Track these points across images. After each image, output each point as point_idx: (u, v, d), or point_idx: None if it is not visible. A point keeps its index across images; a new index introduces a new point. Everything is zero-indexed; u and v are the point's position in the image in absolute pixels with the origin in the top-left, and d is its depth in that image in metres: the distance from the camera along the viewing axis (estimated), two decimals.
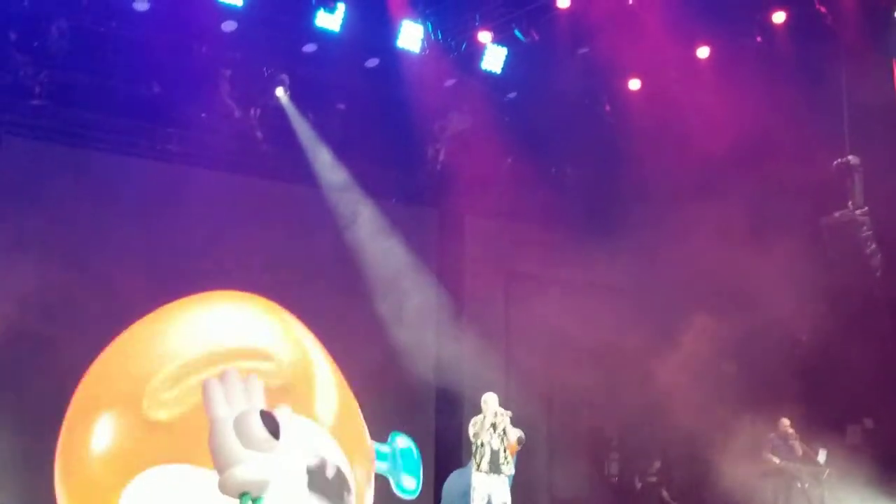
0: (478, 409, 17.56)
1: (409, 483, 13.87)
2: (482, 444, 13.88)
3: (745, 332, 16.63)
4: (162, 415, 12.25)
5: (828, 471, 16.67)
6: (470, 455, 14.58)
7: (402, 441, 14.00)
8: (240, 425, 14.44)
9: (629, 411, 18.21)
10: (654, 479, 18.77)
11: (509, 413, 13.98)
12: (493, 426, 13.91)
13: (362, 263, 17.57)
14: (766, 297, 16.57)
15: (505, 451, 13.86)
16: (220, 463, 14.36)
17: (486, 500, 13.79)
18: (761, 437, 17.05)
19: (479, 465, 13.88)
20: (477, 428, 13.95)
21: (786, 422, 16.75)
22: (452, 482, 16.36)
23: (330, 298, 17.35)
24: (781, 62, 15.89)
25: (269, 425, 14.14)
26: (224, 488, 14.51)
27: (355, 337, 17.25)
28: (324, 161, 17.41)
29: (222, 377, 14.65)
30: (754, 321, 16.37)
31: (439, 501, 17.57)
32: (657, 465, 18.85)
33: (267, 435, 13.98)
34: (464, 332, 18.09)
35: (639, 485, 18.86)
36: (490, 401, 14.10)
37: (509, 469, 13.92)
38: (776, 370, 16.87)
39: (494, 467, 13.83)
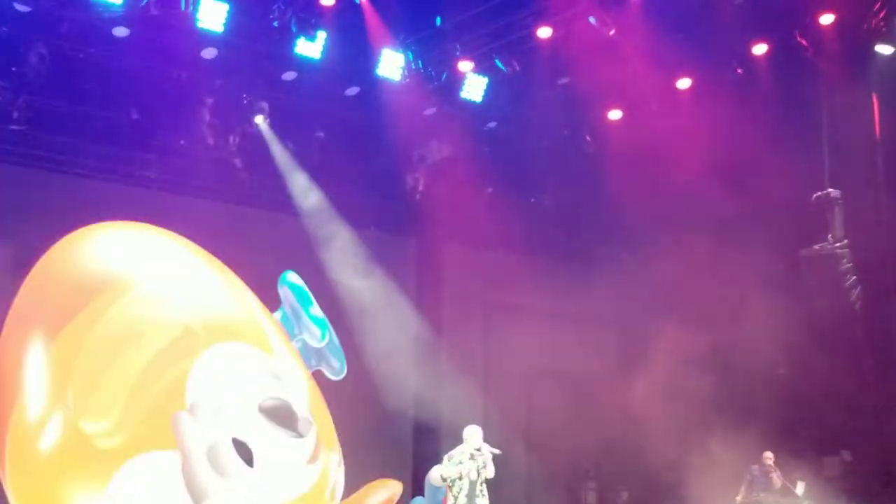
0: (455, 440, 17.53)
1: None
2: (461, 477, 13.75)
3: (723, 362, 16.62)
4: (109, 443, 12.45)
5: (806, 503, 16.64)
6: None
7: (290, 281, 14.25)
8: (213, 455, 14.40)
9: (606, 442, 18.13)
10: None
11: (497, 451, 13.88)
12: (472, 458, 13.74)
13: (340, 291, 17.49)
14: (745, 329, 16.56)
15: (481, 483, 13.70)
16: (195, 496, 14.30)
17: None
18: (738, 468, 17.02)
19: (456, 500, 13.76)
20: (456, 458, 13.78)
21: (769, 455, 16.72)
22: None
23: None
24: (762, 94, 15.94)
25: (243, 453, 14.16)
26: None
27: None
28: (302, 189, 17.35)
29: (192, 409, 14.63)
30: (733, 352, 16.36)
31: None
32: (625, 496, 18.81)
33: (240, 463, 14.02)
34: (442, 362, 18.03)
35: None
36: (474, 433, 13.92)
37: (484, 501, 13.74)
38: (754, 402, 16.82)
39: (472, 500, 13.69)
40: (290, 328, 14.49)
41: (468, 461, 13.74)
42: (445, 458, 14.00)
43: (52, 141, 15.87)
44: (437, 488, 15.28)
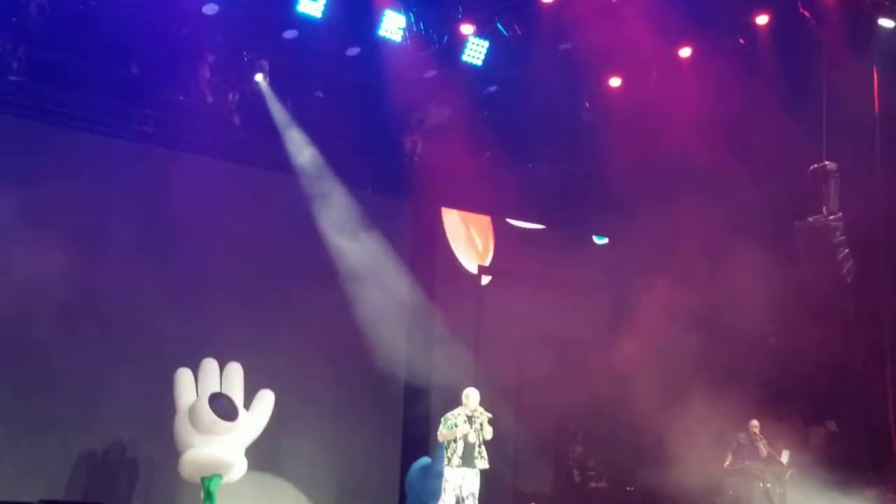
0: (445, 401, 17.64)
1: None
2: (456, 439, 13.90)
3: (713, 330, 16.71)
4: None
5: (790, 471, 16.81)
6: (436, 446, 14.63)
7: None
8: (192, 412, 14.60)
9: (595, 406, 18.23)
10: (592, 472, 18.88)
11: (489, 415, 14.03)
12: (469, 420, 13.93)
13: (335, 251, 17.53)
14: (737, 299, 16.67)
15: (479, 445, 13.93)
16: (178, 450, 14.52)
17: (457, 492, 13.82)
18: (724, 436, 17.18)
19: (450, 460, 13.93)
20: (453, 421, 13.96)
21: (755, 423, 16.88)
22: (414, 476, 16.41)
23: (301, 285, 17.33)
24: (763, 65, 15.96)
25: (220, 409, 14.31)
26: (182, 472, 14.65)
27: (326, 325, 17.29)
28: (299, 148, 17.34)
29: (201, 366, 14.82)
30: (723, 320, 16.45)
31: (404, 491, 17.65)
32: (591, 462, 18.97)
33: (214, 418, 14.19)
34: (435, 325, 18.09)
35: (578, 478, 18.96)
36: (472, 395, 14.16)
37: (483, 463, 14.00)
38: (743, 369, 16.95)
39: (468, 461, 13.89)
40: None
41: (463, 423, 13.92)
42: (442, 419, 14.14)
43: (51, 93, 15.77)
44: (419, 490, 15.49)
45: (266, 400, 15.33)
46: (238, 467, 14.83)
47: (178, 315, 16.32)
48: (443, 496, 13.92)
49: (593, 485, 18.76)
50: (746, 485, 16.88)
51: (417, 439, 18.15)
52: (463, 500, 13.84)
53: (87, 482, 15.79)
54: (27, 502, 12.92)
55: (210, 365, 15.01)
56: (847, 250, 16.10)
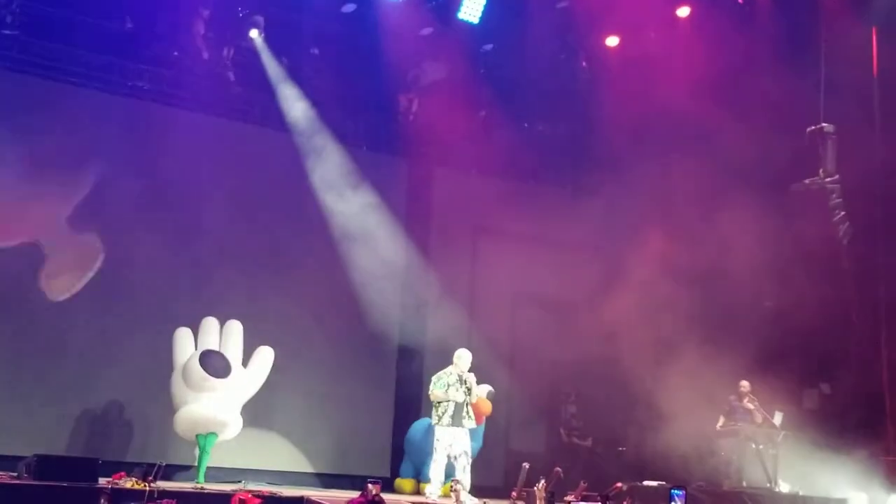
0: (438, 361, 17.65)
1: None
2: (447, 400, 13.97)
3: (708, 293, 16.70)
4: None
5: (783, 433, 16.82)
6: (428, 404, 14.68)
7: None
8: (185, 370, 14.62)
9: (588, 365, 18.27)
10: (576, 432, 18.92)
11: (491, 388, 14.43)
12: (459, 380, 13.99)
13: (330, 210, 17.50)
14: (732, 261, 16.66)
15: (467, 405, 13.98)
16: (173, 407, 14.54)
17: (448, 451, 13.89)
18: (716, 396, 17.21)
19: (440, 419, 13.98)
20: (445, 380, 14.00)
21: (745, 384, 16.89)
22: (419, 436, 16.44)
23: (294, 243, 17.31)
24: (761, 25, 15.89)
25: (210, 366, 14.32)
26: (176, 429, 14.68)
27: (320, 283, 17.27)
28: (294, 105, 17.26)
29: (201, 324, 14.85)
30: (718, 283, 16.44)
31: (397, 447, 17.70)
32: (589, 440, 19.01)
33: (204, 375, 14.22)
34: (428, 285, 18.08)
35: (566, 438, 19.00)
36: (464, 356, 14.19)
37: (470, 423, 14.07)
38: (738, 331, 16.95)
39: (457, 421, 13.95)
40: None
41: (455, 383, 13.97)
42: (434, 378, 14.18)
43: (45, 47, 15.76)
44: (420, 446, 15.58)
45: (264, 356, 15.33)
46: (232, 425, 14.84)
47: (172, 272, 16.36)
48: (434, 455, 14.00)
49: (576, 441, 18.78)
50: (738, 446, 16.89)
51: (410, 397, 18.18)
52: (455, 458, 13.92)
53: (86, 439, 15.82)
54: (23, 456, 12.91)
55: (209, 323, 15.01)
56: (843, 212, 16.09)
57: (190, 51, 16.23)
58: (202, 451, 14.64)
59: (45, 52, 15.72)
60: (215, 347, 14.83)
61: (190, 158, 16.55)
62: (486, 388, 15.06)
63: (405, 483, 16.43)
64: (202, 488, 13.10)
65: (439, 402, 14.01)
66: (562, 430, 19.08)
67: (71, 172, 15.79)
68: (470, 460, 14.10)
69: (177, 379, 14.75)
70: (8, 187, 15.24)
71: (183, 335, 14.88)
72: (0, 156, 15.19)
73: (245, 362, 15.09)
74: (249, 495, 10.03)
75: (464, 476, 13.92)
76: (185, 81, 16.58)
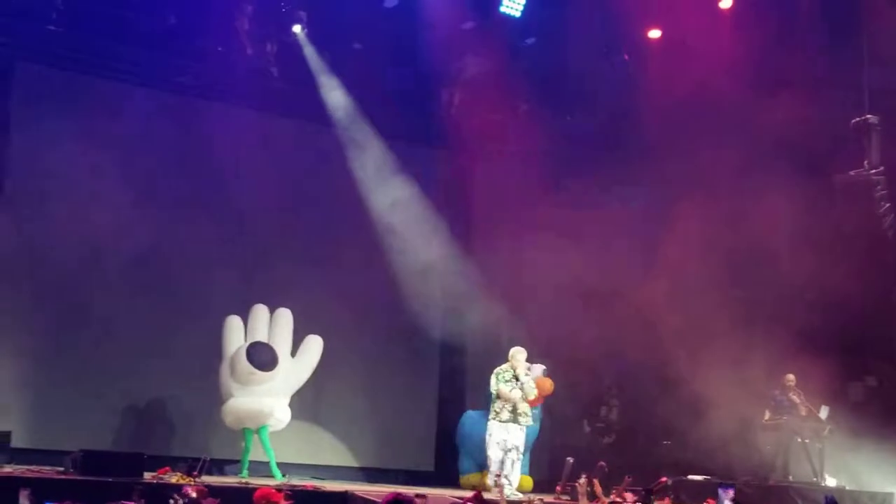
0: (480, 354, 17.73)
1: None
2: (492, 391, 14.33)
3: (750, 287, 16.60)
4: None
5: (829, 427, 16.70)
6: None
7: None
8: (232, 362, 14.68)
9: (630, 360, 18.22)
10: (601, 425, 18.86)
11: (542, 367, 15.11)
12: (515, 378, 14.34)
13: (372, 203, 17.55)
14: (775, 254, 16.56)
15: (523, 401, 14.37)
16: (221, 397, 14.60)
17: (501, 446, 14.20)
18: (762, 391, 17.12)
19: (497, 414, 14.32)
20: (503, 376, 14.42)
21: (790, 378, 16.79)
22: (469, 427, 16.46)
23: (337, 236, 17.39)
24: (804, 15, 15.74)
25: (257, 359, 14.39)
26: (224, 420, 14.76)
27: (361, 276, 17.32)
28: (337, 99, 17.31)
29: (251, 312, 14.95)
30: (761, 276, 16.35)
31: (441, 441, 17.76)
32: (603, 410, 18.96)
33: (251, 369, 14.28)
34: (470, 277, 18.08)
35: (588, 429, 18.96)
36: (518, 354, 14.60)
37: (527, 420, 14.44)
38: (781, 326, 16.83)
39: (514, 418, 14.32)
40: None
41: (510, 380, 14.39)
42: (497, 371, 14.58)
43: (89, 44, 15.91)
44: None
45: (313, 346, 15.41)
46: (281, 417, 14.93)
47: (219, 263, 16.46)
48: (487, 451, 14.27)
49: (605, 439, 18.75)
50: (784, 440, 16.82)
51: (453, 390, 18.25)
52: (507, 452, 14.18)
53: (132, 433, 15.94)
54: (70, 451, 13.05)
55: (259, 311, 15.10)
56: (888, 204, 15.95)
57: (233, 46, 16.26)
58: (249, 445, 14.72)
59: (89, 48, 15.87)
60: (264, 336, 14.92)
61: (234, 152, 16.66)
62: (539, 368, 15.49)
63: (472, 477, 16.35)
64: (246, 483, 13.17)
65: (497, 399, 14.33)
66: (585, 422, 19.07)
67: (119, 167, 15.90)
68: (520, 456, 14.45)
69: (225, 370, 14.86)
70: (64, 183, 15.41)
71: (233, 324, 14.99)
72: (52, 152, 15.34)
73: (293, 351, 15.20)
74: (274, 490, 10.06)
75: (512, 472, 14.25)
76: (229, 77, 16.63)
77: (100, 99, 15.94)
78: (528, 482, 15.99)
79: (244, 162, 16.80)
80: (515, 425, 14.30)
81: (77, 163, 15.38)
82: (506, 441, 14.22)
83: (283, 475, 14.76)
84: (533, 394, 14.47)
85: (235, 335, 14.92)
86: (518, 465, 14.47)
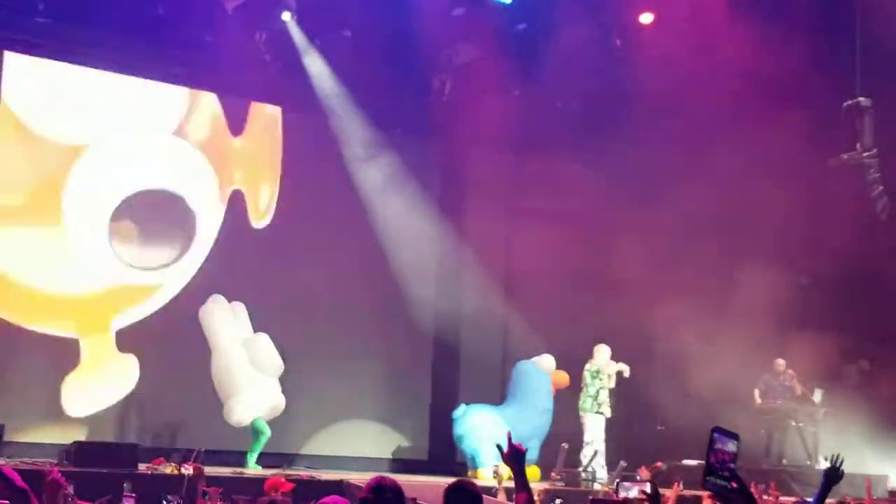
0: (474, 342, 17.75)
1: None
2: (598, 390, 15.90)
3: (745, 271, 16.58)
4: None
5: (823, 410, 16.76)
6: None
7: None
8: (252, 351, 14.55)
9: (627, 349, 18.20)
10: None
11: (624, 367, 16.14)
12: (598, 373, 15.83)
13: (365, 192, 17.52)
14: (769, 238, 16.56)
15: (610, 394, 15.90)
16: (228, 390, 14.55)
17: (594, 436, 15.81)
18: (756, 375, 17.16)
19: (587, 407, 15.81)
20: (593, 371, 15.91)
21: (780, 362, 16.83)
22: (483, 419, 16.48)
23: (330, 224, 17.34)
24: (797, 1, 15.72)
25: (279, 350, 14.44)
26: (233, 415, 14.71)
27: (355, 264, 17.30)
28: (328, 88, 17.25)
29: (214, 301, 14.93)
30: (755, 261, 16.33)
31: (435, 430, 17.78)
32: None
33: (280, 361, 14.30)
34: (464, 265, 18.08)
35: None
36: (602, 350, 16.08)
37: (608, 411, 15.95)
38: (775, 310, 16.83)
39: (604, 408, 15.93)
40: None
41: (599, 373, 16.01)
42: (588, 371, 16.09)
43: (77, 34, 15.81)
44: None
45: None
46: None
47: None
48: (585, 445, 15.65)
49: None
50: (778, 424, 16.86)
51: (447, 379, 18.27)
52: (588, 443, 15.75)
53: (129, 426, 15.91)
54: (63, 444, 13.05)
55: (221, 302, 15.25)
56: (882, 187, 15.95)
57: (222, 35, 16.18)
58: (261, 434, 14.72)
59: (77, 38, 15.78)
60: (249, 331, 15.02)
61: (223, 141, 16.61)
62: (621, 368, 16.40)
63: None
64: (241, 473, 13.18)
65: (587, 392, 15.90)
66: None
67: (108, 156, 15.84)
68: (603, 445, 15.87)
69: (234, 361, 14.85)
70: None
71: (212, 313, 15.04)
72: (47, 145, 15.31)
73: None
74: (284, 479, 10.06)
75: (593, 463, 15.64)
76: (218, 66, 16.57)
77: (88, 89, 15.84)
78: (536, 472, 16.02)
79: (233, 151, 16.76)
80: (602, 416, 15.92)
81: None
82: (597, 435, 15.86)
83: (279, 466, 14.77)
84: (613, 382, 16.06)
85: (229, 325, 14.93)
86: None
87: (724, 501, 4.59)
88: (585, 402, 15.93)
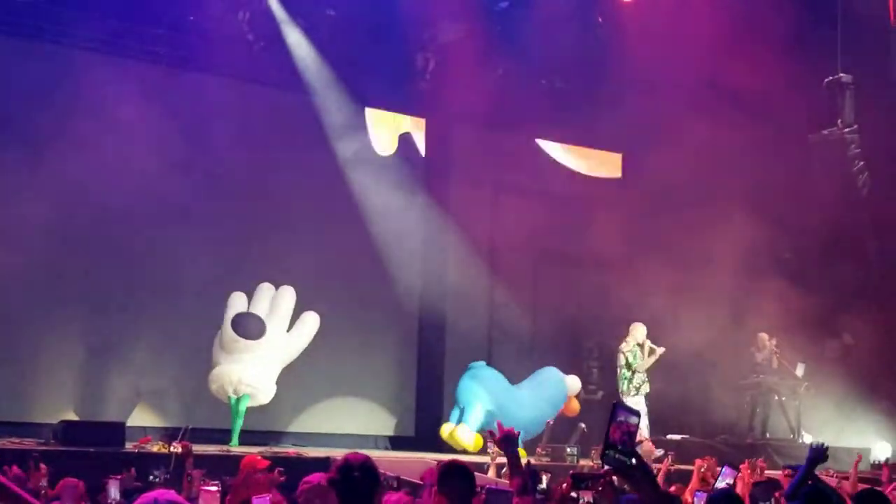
0: (460, 319, 17.81)
1: None
2: (634, 371, 16.16)
3: (729, 247, 16.68)
4: None
5: (805, 384, 16.90)
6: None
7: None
8: (222, 330, 14.78)
9: (610, 322, 18.32)
10: (592, 387, 19.02)
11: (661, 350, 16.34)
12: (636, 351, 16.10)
13: (350, 171, 17.53)
14: (753, 213, 16.66)
15: (645, 373, 16.12)
16: (211, 364, 14.67)
17: None
18: (741, 351, 17.28)
19: (634, 389, 16.03)
20: (626, 351, 16.16)
21: (763, 336, 16.96)
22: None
23: (314, 205, 17.35)
24: None
25: (243, 328, 14.49)
26: (210, 387, 14.86)
27: (341, 244, 17.32)
28: (312, 67, 17.24)
29: (257, 289, 15.08)
30: (739, 236, 16.43)
31: (421, 407, 17.87)
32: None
33: (235, 337, 14.38)
34: (450, 242, 18.12)
35: (582, 394, 19.08)
36: (639, 329, 16.27)
37: (647, 388, 16.20)
38: (758, 284, 16.97)
39: (641, 390, 16.10)
40: None
41: (634, 350, 16.22)
42: (626, 353, 16.31)
43: (60, 14, 15.71)
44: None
45: (309, 322, 15.61)
46: (264, 389, 15.05)
47: (197, 235, 16.42)
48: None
49: (590, 396, 18.89)
50: (762, 398, 16.99)
51: (433, 355, 18.31)
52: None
53: (120, 404, 15.93)
54: (49, 423, 13.10)
55: (264, 288, 15.34)
56: (862, 163, 16.06)
57: (206, 14, 16.14)
58: (235, 413, 14.80)
59: (60, 19, 15.69)
60: (264, 311, 15.07)
61: (208, 121, 16.58)
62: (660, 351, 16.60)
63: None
64: (228, 451, 13.24)
65: (621, 371, 16.26)
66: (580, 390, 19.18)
67: (93, 137, 15.79)
68: (647, 425, 15.94)
69: (216, 340, 14.98)
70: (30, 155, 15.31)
71: (235, 299, 15.11)
72: (29, 123, 15.27)
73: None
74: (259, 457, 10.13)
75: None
76: (202, 45, 16.45)
77: (72, 70, 15.78)
78: (522, 452, 16.14)
79: (220, 132, 16.71)
80: (640, 397, 16.00)
81: (54, 134, 15.26)
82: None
83: (266, 443, 14.83)
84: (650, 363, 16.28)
85: (235, 308, 15.03)
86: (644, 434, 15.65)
87: (624, 477, 4.52)
88: (623, 384, 16.15)
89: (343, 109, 17.47)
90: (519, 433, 6.25)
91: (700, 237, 16.56)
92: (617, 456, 4.36)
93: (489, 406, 16.02)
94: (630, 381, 15.99)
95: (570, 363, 19.08)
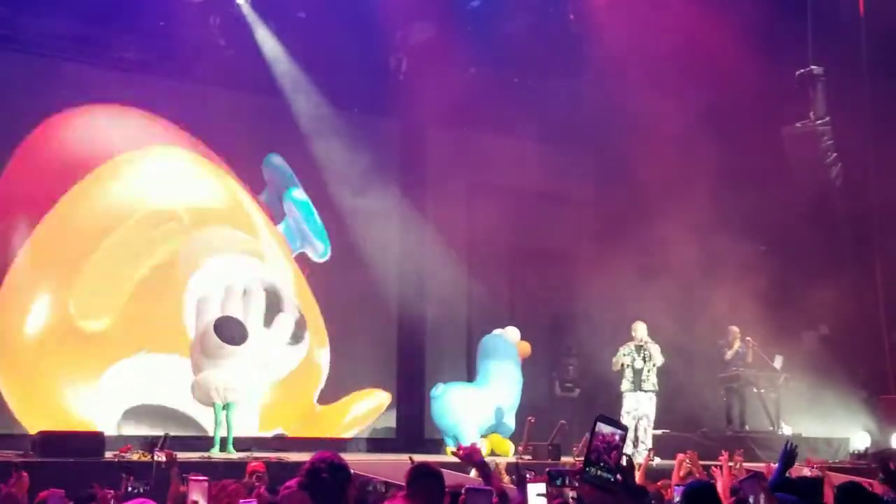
0: (439, 320, 17.81)
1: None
2: (624, 366, 15.75)
3: (704, 241, 16.73)
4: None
5: (784, 376, 16.95)
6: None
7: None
8: (202, 336, 14.72)
9: (587, 319, 18.36)
10: (569, 384, 19.02)
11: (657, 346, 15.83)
12: (637, 349, 15.68)
13: (323, 175, 17.50)
14: (726, 209, 16.71)
15: (647, 371, 15.68)
16: (192, 370, 14.65)
17: (633, 413, 15.63)
18: (717, 344, 17.33)
19: (622, 385, 15.75)
20: (621, 352, 15.83)
21: (735, 330, 17.02)
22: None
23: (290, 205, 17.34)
24: None
25: (226, 333, 14.44)
26: (194, 395, 14.80)
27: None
28: (284, 70, 17.20)
29: (227, 291, 15.03)
30: (714, 231, 16.47)
31: (402, 409, 17.84)
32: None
33: (219, 342, 14.33)
34: (426, 244, 18.11)
35: (559, 391, 19.10)
36: (639, 327, 15.85)
37: (649, 385, 15.72)
38: (734, 277, 17.01)
39: (637, 385, 15.68)
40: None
41: (631, 353, 15.77)
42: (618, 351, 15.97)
43: (27, 22, 15.59)
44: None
45: (284, 324, 15.60)
46: (249, 393, 15.04)
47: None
48: (622, 418, 15.36)
49: (567, 394, 18.93)
50: (740, 391, 17.03)
51: (413, 357, 18.29)
52: (638, 419, 15.57)
53: (104, 414, 15.84)
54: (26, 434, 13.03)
55: (233, 289, 15.25)
56: (835, 154, 16.13)
57: (176, 19, 16.06)
58: (219, 420, 14.73)
59: (28, 26, 15.54)
60: (237, 312, 15.00)
61: (179, 126, 16.55)
62: (661, 359, 16.01)
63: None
64: (209, 458, 13.18)
65: (622, 369, 15.81)
66: (556, 384, 19.19)
67: (65, 145, 15.72)
68: (651, 423, 15.71)
69: (195, 346, 14.90)
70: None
71: (206, 301, 15.05)
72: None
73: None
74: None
75: (646, 437, 15.60)
76: (172, 51, 16.41)
77: (40, 77, 15.69)
78: (506, 448, 16.20)
79: (190, 136, 16.68)
80: (642, 393, 15.67)
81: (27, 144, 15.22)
82: (637, 409, 15.65)
83: (249, 450, 14.78)
84: (661, 359, 15.78)
85: (208, 312, 14.95)
86: (650, 432, 15.68)
87: (608, 494, 4.25)
88: (624, 384, 15.83)
89: (315, 111, 17.41)
90: (479, 449, 6.38)
91: (674, 233, 16.57)
92: (599, 473, 4.21)
93: (473, 417, 16.13)
94: (624, 376, 15.83)
95: (548, 360, 19.15)
